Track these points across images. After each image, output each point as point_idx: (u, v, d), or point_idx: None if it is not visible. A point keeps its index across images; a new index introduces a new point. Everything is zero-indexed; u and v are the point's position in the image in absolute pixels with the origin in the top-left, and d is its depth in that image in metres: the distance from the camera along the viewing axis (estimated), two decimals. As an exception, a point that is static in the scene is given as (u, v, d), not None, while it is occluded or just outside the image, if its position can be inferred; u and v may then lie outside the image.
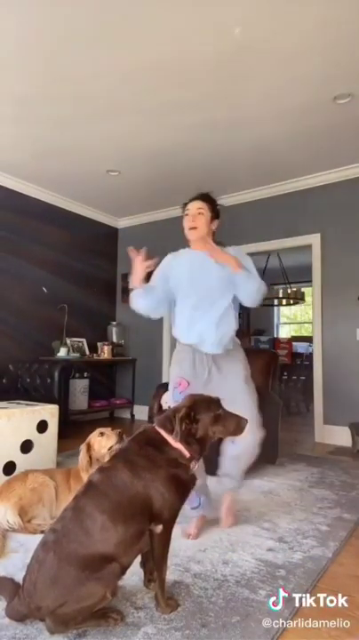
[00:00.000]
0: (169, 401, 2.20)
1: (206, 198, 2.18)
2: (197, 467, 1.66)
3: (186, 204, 2.22)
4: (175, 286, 2.20)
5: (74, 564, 1.33)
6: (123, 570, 1.42)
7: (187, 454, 1.57)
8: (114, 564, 1.36)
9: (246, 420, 1.67)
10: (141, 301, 2.17)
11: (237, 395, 2.07)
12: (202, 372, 2.14)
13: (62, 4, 2.40)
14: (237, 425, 1.66)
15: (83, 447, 2.36)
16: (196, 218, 2.12)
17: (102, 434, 2.38)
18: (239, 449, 2.10)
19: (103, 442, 2.35)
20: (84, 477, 2.26)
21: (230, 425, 1.65)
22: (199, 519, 2.16)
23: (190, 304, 2.15)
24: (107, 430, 2.41)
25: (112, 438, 2.35)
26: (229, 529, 2.20)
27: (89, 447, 2.36)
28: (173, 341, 2.37)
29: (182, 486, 1.56)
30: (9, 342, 4.69)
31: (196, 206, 2.14)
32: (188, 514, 2.09)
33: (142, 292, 2.15)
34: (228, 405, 1.77)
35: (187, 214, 2.15)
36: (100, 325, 5.79)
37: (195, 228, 2.13)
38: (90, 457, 2.33)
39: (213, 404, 1.66)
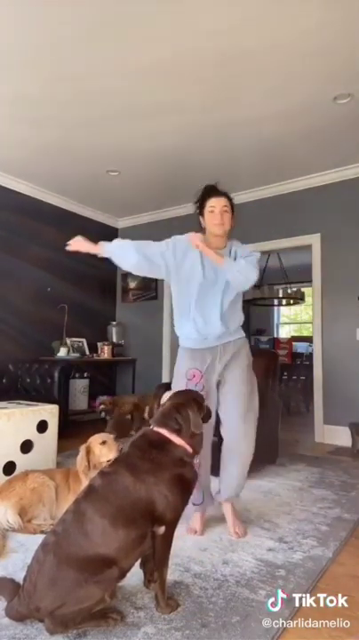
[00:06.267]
0: None
1: (228, 196, 2.24)
2: (199, 462, 1.68)
3: (204, 198, 2.24)
4: (179, 277, 2.20)
5: (73, 567, 1.34)
6: (123, 573, 1.41)
7: (190, 450, 1.57)
8: (113, 568, 1.36)
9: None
10: (133, 257, 2.12)
11: (237, 386, 2.19)
12: (211, 362, 2.19)
13: (62, 4, 2.40)
14: (208, 412, 1.80)
15: (82, 449, 2.33)
16: (223, 215, 2.19)
17: (104, 442, 2.32)
18: (231, 438, 2.20)
19: (104, 451, 2.29)
20: (83, 479, 2.25)
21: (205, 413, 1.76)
22: (202, 515, 2.18)
23: (196, 303, 2.17)
24: (110, 439, 2.34)
25: (113, 451, 2.28)
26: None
27: (89, 451, 2.31)
28: (173, 341, 2.39)
29: (187, 486, 1.56)
30: (9, 342, 4.69)
31: (222, 204, 2.19)
32: (190, 510, 2.09)
33: (133, 247, 2.13)
34: (228, 394, 2.16)
35: (212, 211, 2.19)
36: (100, 325, 5.79)
37: (222, 224, 2.18)
38: (88, 461, 2.29)
39: (199, 396, 1.79)
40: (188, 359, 2.22)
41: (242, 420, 2.16)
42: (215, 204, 2.19)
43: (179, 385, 2.11)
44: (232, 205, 2.24)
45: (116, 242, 2.21)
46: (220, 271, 2.14)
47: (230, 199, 2.24)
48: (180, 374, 2.20)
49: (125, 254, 2.15)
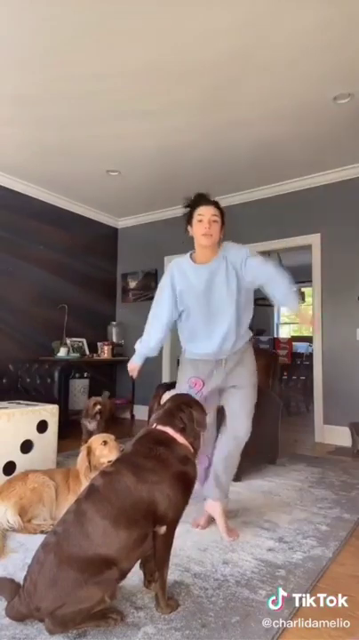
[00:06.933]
0: None
1: (218, 205, 2.18)
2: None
3: (194, 206, 2.19)
4: (182, 302, 2.22)
5: (73, 567, 1.33)
6: (124, 574, 1.41)
7: (192, 449, 1.58)
8: (114, 569, 1.36)
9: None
10: (156, 335, 2.34)
11: (242, 390, 2.22)
12: (215, 372, 2.21)
13: (63, 3, 2.40)
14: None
15: (83, 450, 2.33)
16: (212, 225, 2.12)
17: (105, 443, 2.32)
18: (231, 440, 2.23)
19: (105, 451, 2.30)
20: (83, 480, 2.25)
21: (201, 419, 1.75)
22: (207, 515, 2.20)
23: (203, 319, 2.18)
24: (111, 440, 2.34)
25: (113, 452, 2.27)
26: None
27: (89, 451, 2.31)
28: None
29: (189, 485, 1.57)
30: (9, 342, 4.69)
31: (211, 212, 2.13)
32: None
33: (152, 332, 2.34)
34: (231, 399, 2.20)
35: (200, 220, 2.13)
36: (100, 325, 5.79)
37: (210, 235, 2.11)
38: (89, 462, 2.29)
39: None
40: (191, 368, 2.24)
41: (248, 419, 2.22)
42: (204, 213, 2.12)
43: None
44: (222, 215, 2.17)
45: (138, 349, 2.42)
46: (224, 285, 2.13)
47: (220, 208, 2.17)
48: (183, 382, 2.22)
49: (151, 344, 2.33)
